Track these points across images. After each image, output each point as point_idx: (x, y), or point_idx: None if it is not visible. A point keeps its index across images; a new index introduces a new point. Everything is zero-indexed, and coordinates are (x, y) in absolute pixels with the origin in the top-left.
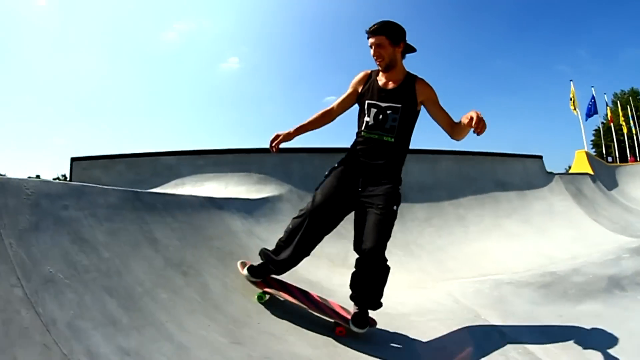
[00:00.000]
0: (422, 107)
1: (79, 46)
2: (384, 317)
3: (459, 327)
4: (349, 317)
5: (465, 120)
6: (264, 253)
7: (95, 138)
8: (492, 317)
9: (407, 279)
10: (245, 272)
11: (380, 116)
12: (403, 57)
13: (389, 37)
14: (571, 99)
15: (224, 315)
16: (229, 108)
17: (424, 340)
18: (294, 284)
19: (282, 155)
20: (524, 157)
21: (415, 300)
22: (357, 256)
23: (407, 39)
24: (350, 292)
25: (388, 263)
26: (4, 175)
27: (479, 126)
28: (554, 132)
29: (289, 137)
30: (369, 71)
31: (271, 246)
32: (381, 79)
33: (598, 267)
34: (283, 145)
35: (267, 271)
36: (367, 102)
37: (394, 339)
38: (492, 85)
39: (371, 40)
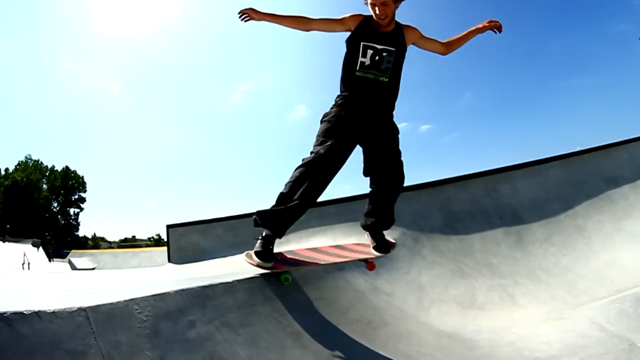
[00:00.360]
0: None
1: (156, 123)
2: None
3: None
4: (370, 249)
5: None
6: (261, 214)
7: (183, 202)
8: None
9: (540, 311)
10: (255, 259)
11: (377, 57)
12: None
13: None
14: None
15: None
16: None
17: None
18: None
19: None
20: (627, 142)
21: (558, 337)
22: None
23: None
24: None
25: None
26: (106, 241)
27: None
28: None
29: (257, 15)
30: (363, 15)
31: (398, 301)
32: (376, 24)
33: None
34: None
35: (274, 235)
36: (362, 43)
37: None
38: (558, 68)
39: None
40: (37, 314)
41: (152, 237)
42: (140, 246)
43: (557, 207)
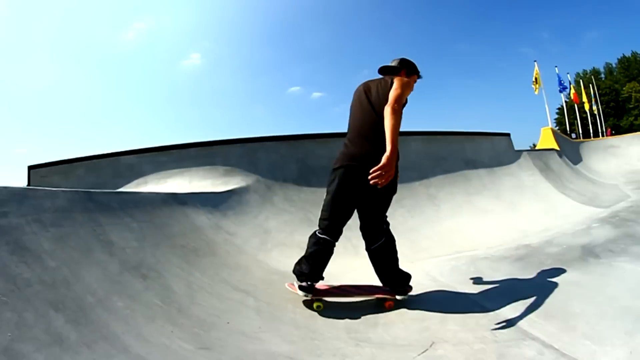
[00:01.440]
0: None
1: (33, 53)
2: (363, 302)
3: (440, 305)
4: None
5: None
6: (298, 272)
7: (57, 146)
8: (472, 293)
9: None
10: (299, 292)
11: None
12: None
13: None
14: (535, 79)
15: (188, 318)
16: (193, 105)
17: (406, 320)
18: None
19: (247, 145)
20: (492, 135)
21: None
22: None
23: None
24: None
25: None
26: None
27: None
28: (518, 111)
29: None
30: None
31: (240, 240)
32: None
33: (570, 238)
34: (247, 135)
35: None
36: None
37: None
38: (457, 69)
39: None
40: None
41: None
42: None
43: (413, 175)
